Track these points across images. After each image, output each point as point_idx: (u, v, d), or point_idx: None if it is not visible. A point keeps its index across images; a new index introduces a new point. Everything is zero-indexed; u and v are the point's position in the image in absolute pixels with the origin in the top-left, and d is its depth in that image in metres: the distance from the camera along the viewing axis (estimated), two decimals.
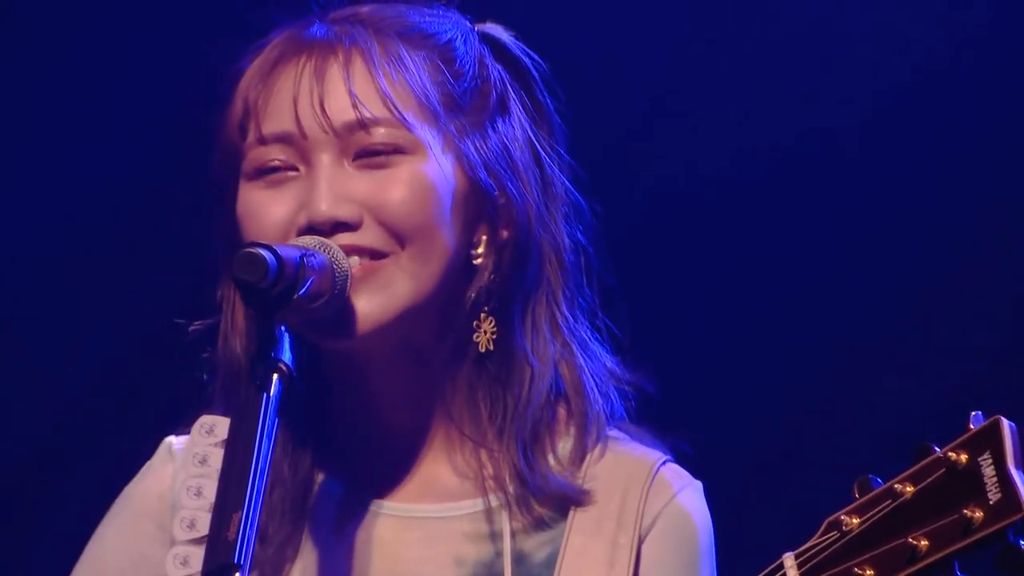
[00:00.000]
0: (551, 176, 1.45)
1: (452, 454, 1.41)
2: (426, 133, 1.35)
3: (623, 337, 1.49)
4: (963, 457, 1.00)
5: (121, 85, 2.59)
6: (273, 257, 1.15)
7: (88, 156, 2.60)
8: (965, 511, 0.98)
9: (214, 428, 1.15)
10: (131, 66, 2.60)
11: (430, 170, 1.34)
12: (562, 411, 1.42)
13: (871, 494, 1.06)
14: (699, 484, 1.45)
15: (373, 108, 1.33)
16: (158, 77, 2.55)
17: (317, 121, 1.33)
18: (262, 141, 1.36)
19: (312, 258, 1.21)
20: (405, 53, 1.37)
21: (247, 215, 1.35)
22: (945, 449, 1.01)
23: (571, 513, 1.38)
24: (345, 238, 1.30)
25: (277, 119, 1.35)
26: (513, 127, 1.43)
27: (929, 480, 1.02)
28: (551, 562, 1.36)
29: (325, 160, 1.33)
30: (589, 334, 1.45)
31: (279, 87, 1.36)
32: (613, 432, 1.43)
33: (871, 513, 1.05)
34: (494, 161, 1.39)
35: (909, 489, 1.02)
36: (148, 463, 1.47)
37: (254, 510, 1.04)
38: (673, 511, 1.40)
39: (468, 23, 1.46)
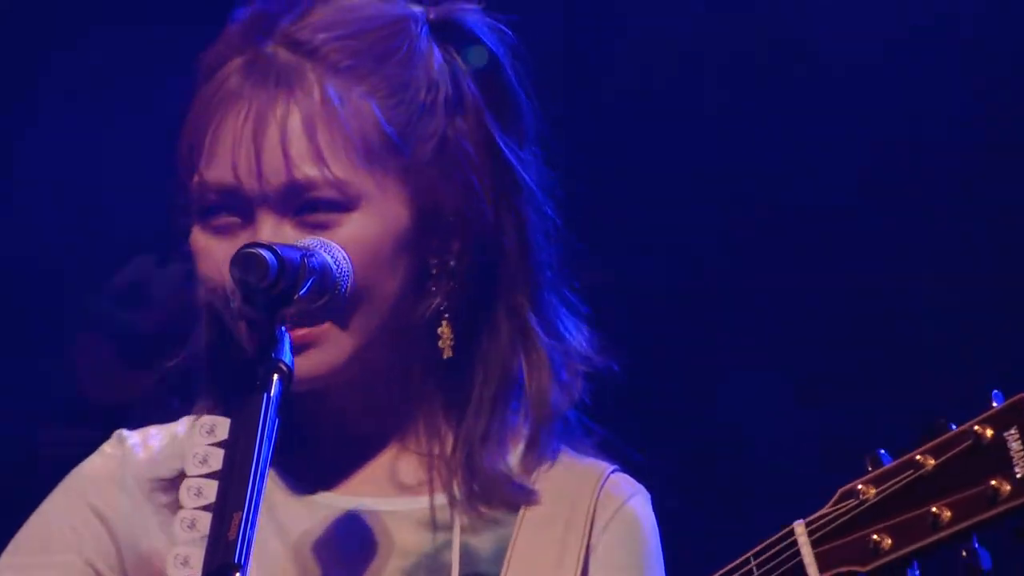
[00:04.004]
0: (513, 174, 1.42)
1: (406, 451, 1.42)
2: (368, 183, 1.33)
3: (589, 342, 1.48)
4: (988, 432, 1.03)
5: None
6: (274, 257, 1.15)
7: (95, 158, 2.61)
8: (992, 483, 1.02)
9: (214, 429, 1.15)
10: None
11: (374, 226, 1.33)
12: (518, 417, 1.42)
13: (890, 465, 1.09)
14: (647, 492, 1.47)
15: (309, 170, 1.31)
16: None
17: (255, 180, 1.32)
18: (204, 187, 1.35)
19: (312, 258, 1.21)
20: (351, 94, 1.34)
21: (199, 257, 1.36)
22: (971, 423, 1.05)
23: (521, 512, 1.39)
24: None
25: (218, 169, 1.33)
26: (469, 127, 1.40)
27: (952, 453, 1.05)
28: (498, 559, 1.37)
29: (265, 220, 1.32)
30: (549, 340, 1.43)
31: (221, 135, 1.33)
32: (563, 448, 1.44)
33: (889, 483, 1.08)
34: (446, 181, 1.38)
35: (931, 461, 1.05)
36: (99, 448, 1.48)
37: (254, 510, 1.04)
38: (623, 517, 1.42)
39: (422, 15, 1.42)
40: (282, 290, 1.17)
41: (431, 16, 1.43)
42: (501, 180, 1.41)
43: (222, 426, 1.14)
